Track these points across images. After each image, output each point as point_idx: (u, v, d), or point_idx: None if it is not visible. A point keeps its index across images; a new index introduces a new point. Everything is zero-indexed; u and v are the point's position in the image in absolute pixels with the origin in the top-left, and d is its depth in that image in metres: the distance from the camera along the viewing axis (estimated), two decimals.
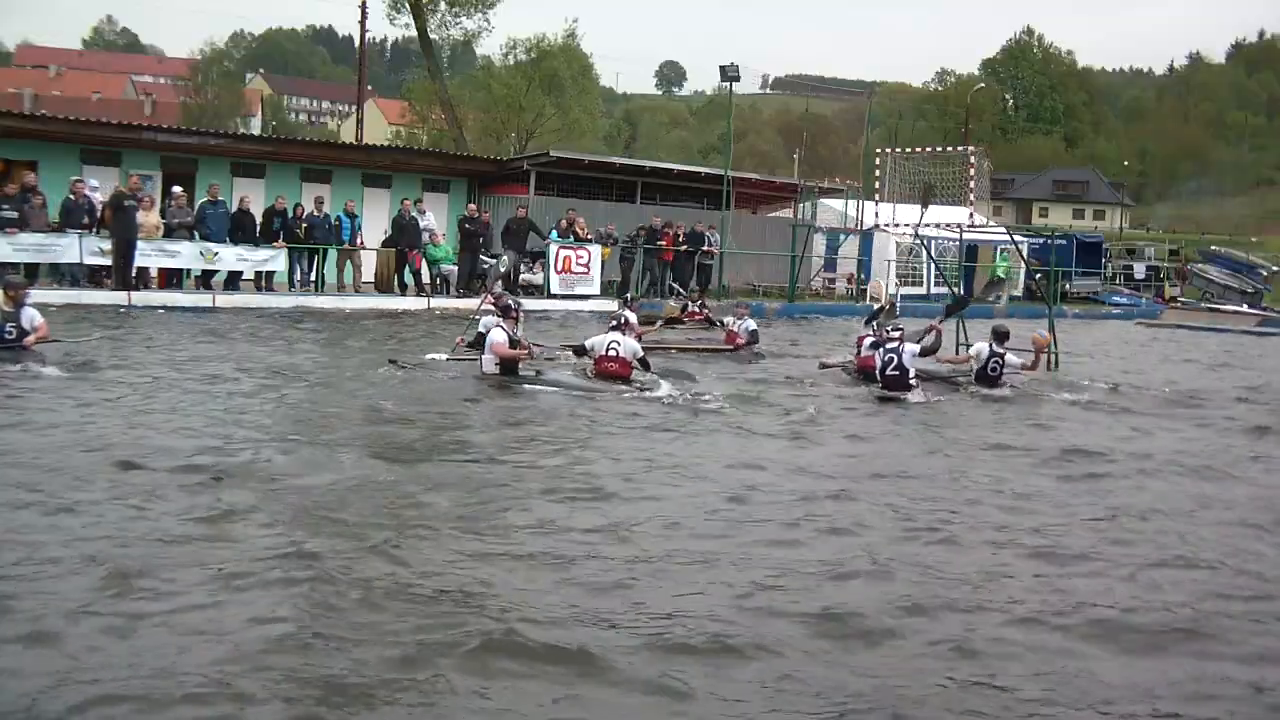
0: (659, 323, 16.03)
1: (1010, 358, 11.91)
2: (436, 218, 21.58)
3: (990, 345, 11.90)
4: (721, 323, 15.74)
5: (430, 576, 4.83)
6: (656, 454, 7.72)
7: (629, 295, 18.74)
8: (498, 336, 10.41)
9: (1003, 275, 22.91)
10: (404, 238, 19.87)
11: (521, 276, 21.19)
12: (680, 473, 7.17)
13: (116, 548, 4.99)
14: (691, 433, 8.72)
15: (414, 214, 20.13)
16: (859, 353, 12.56)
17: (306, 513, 5.71)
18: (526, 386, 10.39)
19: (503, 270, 14.95)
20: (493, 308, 11.55)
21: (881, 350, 11.27)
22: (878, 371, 11.20)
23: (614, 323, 11.28)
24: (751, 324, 14.45)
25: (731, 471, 7.29)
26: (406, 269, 20.05)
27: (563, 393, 10.19)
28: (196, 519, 5.51)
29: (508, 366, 10.50)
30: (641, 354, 11.03)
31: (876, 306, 16.39)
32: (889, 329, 11.62)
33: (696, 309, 17.23)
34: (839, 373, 12.67)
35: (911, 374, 11.02)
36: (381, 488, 6.36)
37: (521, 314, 11.17)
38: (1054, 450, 8.63)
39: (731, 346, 14.21)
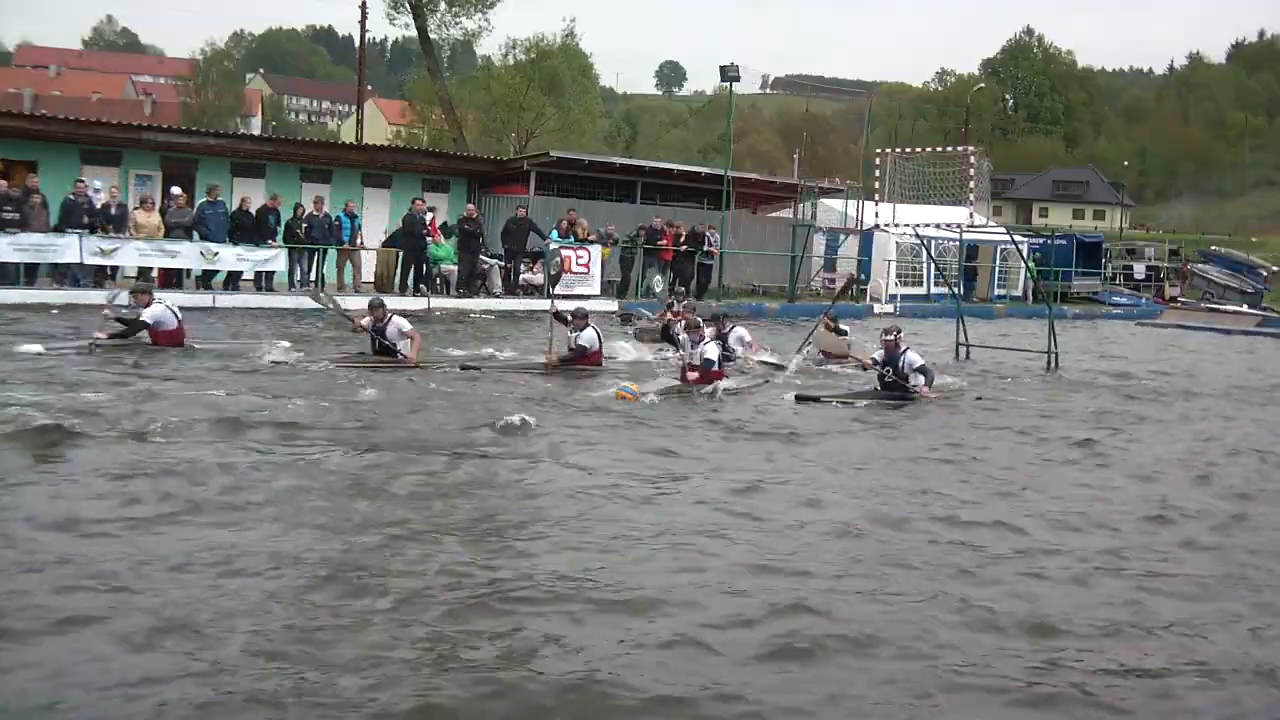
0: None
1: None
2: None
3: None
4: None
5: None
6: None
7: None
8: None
9: (1034, 276, 23.17)
10: (414, 240, 19.77)
11: (522, 277, 21.18)
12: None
13: None
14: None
15: (425, 214, 20.05)
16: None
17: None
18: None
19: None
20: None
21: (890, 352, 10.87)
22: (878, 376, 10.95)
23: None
24: (744, 334, 14.34)
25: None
26: (412, 271, 20.01)
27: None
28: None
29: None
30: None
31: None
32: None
33: (682, 309, 17.41)
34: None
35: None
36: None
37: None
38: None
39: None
